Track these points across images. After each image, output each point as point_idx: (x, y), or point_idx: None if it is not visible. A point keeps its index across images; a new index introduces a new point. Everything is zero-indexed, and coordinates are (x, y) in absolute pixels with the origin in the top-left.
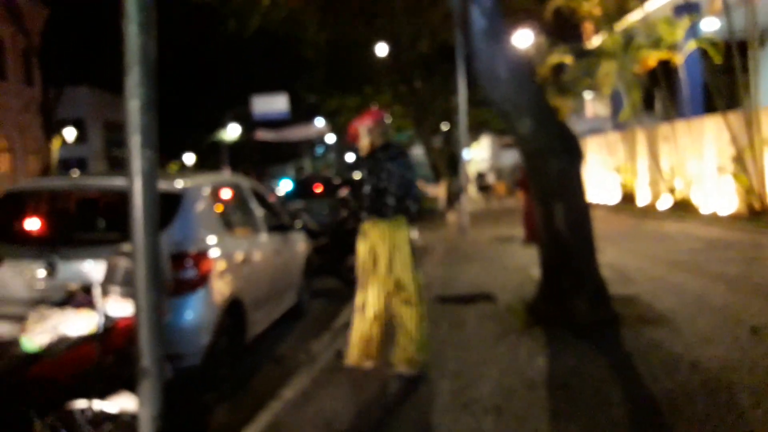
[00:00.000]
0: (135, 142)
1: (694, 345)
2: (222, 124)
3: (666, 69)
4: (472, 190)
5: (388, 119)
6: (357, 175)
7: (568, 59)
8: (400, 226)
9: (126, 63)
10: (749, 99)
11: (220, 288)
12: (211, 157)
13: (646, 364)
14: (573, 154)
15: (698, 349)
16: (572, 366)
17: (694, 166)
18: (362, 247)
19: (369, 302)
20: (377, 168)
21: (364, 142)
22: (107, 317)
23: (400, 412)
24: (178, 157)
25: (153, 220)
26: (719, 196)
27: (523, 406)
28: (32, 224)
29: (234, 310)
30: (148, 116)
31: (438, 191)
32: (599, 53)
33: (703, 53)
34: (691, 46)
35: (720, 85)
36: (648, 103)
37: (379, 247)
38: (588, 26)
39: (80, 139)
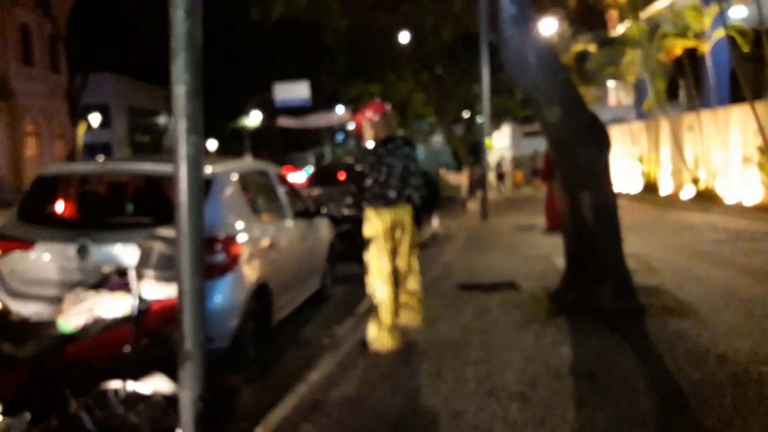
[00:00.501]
0: (181, 127)
1: (721, 337)
2: (244, 111)
3: (692, 57)
4: (491, 177)
5: (390, 111)
6: (358, 167)
7: (592, 47)
8: (404, 211)
9: (172, 49)
10: None
11: (248, 272)
12: (233, 143)
13: (672, 355)
14: (601, 143)
15: (725, 341)
16: (597, 355)
17: (719, 156)
18: (368, 230)
19: (383, 268)
20: (379, 163)
21: (369, 135)
22: (141, 300)
23: (425, 398)
24: None
25: (198, 204)
26: (744, 187)
27: (549, 394)
28: (64, 208)
29: (261, 294)
30: (194, 102)
31: (460, 179)
32: (624, 41)
33: (731, 41)
34: (719, 34)
35: (748, 73)
36: (672, 93)
37: (385, 228)
38: (613, 14)
39: (105, 124)
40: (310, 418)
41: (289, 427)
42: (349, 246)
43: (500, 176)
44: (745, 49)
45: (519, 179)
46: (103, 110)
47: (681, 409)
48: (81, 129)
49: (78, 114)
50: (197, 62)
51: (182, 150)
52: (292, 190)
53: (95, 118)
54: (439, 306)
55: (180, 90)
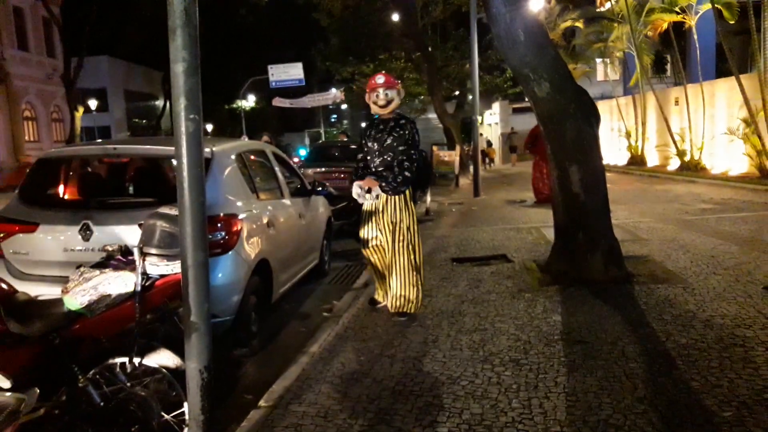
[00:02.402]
0: (181, 105)
1: (707, 303)
2: (239, 93)
3: (678, 32)
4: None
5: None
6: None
7: (579, 23)
8: (391, 203)
9: (170, 27)
10: (764, 60)
11: (249, 249)
12: (229, 124)
13: (660, 321)
14: (590, 117)
15: (711, 307)
16: (588, 322)
17: (705, 128)
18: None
19: (364, 238)
20: (364, 143)
21: (394, 105)
22: (145, 277)
23: (422, 365)
24: None
25: (199, 180)
26: (729, 158)
27: (542, 360)
28: (66, 190)
29: (261, 270)
30: (193, 80)
31: (452, 156)
32: (611, 17)
33: (718, 15)
34: (705, 7)
35: (734, 47)
36: (659, 67)
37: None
38: None
39: (102, 108)
40: (313, 388)
41: (292, 398)
42: (346, 223)
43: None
44: (732, 21)
45: (492, 155)
46: (100, 94)
47: (669, 371)
48: (78, 113)
49: (75, 98)
50: (195, 40)
51: (182, 127)
52: (290, 169)
53: (92, 103)
54: (435, 278)
55: (178, 68)
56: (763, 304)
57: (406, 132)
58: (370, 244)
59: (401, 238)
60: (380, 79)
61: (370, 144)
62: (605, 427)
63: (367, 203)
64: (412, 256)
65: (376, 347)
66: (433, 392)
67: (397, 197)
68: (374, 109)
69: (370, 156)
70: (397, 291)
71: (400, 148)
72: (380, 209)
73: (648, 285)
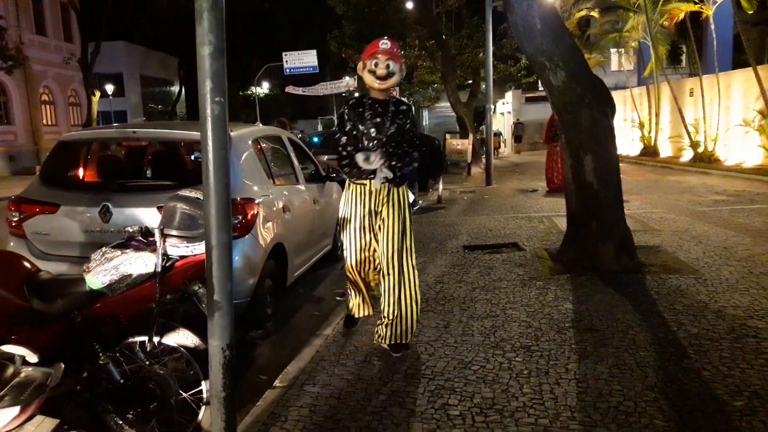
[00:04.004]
0: (207, 88)
1: (719, 293)
2: (254, 80)
3: (695, 22)
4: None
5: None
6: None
7: (595, 13)
8: (389, 195)
9: (197, 10)
10: None
11: (265, 233)
12: (243, 111)
13: (671, 311)
14: (605, 107)
15: (723, 298)
16: (599, 310)
17: (720, 120)
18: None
19: (349, 256)
20: (352, 124)
21: (393, 81)
22: (165, 258)
23: (434, 349)
24: None
25: (224, 162)
26: (744, 150)
27: (553, 347)
28: (86, 172)
29: (277, 254)
30: (219, 63)
31: (464, 145)
32: (627, 7)
33: (736, 4)
34: None
35: (751, 37)
36: (674, 58)
37: (357, 206)
38: None
39: (118, 93)
40: (326, 370)
41: (306, 379)
42: None
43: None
44: (750, 12)
45: (496, 144)
46: (117, 79)
47: (680, 360)
48: (95, 98)
49: (92, 83)
50: (221, 23)
51: (208, 110)
52: (305, 155)
53: (109, 87)
54: (446, 265)
55: (205, 51)
56: None
57: (408, 122)
58: (359, 255)
59: (404, 242)
60: (385, 43)
61: (362, 127)
62: (615, 413)
63: (378, 182)
64: (412, 263)
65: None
66: (444, 376)
67: (397, 190)
68: (368, 80)
69: (363, 142)
70: (398, 313)
71: (404, 138)
72: (374, 206)
73: (660, 275)
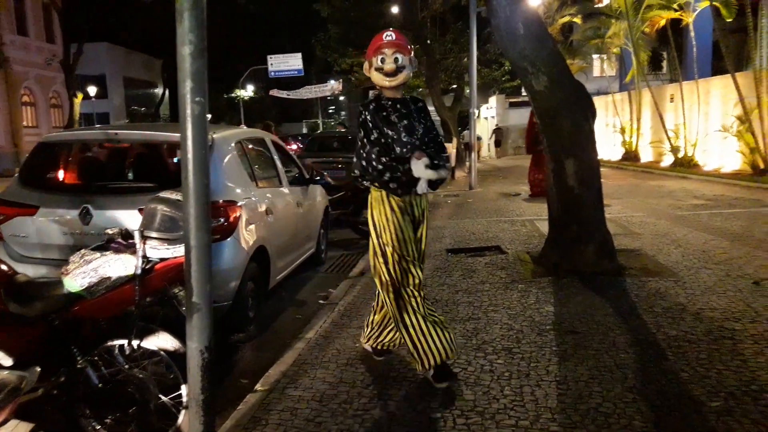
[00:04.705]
0: (187, 88)
1: (698, 296)
2: (239, 82)
3: (676, 29)
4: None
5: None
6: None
7: (577, 19)
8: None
9: (177, 9)
10: (759, 58)
11: (247, 236)
12: (228, 113)
13: (650, 313)
14: (586, 112)
15: (701, 300)
16: (579, 313)
17: (699, 125)
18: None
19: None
20: (378, 130)
21: (404, 77)
22: (145, 260)
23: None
24: None
25: (204, 163)
26: (723, 155)
27: (534, 349)
28: (66, 174)
29: (259, 256)
30: (199, 63)
31: (449, 149)
32: (609, 13)
33: (715, 12)
34: (703, 4)
35: (730, 44)
36: (655, 64)
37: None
38: None
39: (101, 95)
40: (308, 373)
41: (288, 382)
42: (344, 212)
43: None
44: (729, 19)
45: (479, 148)
46: (100, 81)
47: (659, 362)
48: (77, 99)
49: (74, 84)
50: (202, 23)
51: (188, 110)
52: (288, 158)
53: (92, 89)
54: (430, 268)
55: (185, 50)
56: (753, 299)
57: (430, 119)
58: (399, 265)
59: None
60: (389, 35)
61: (390, 133)
62: (595, 415)
63: (423, 187)
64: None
65: None
66: (427, 378)
67: (423, 198)
68: (377, 79)
69: (395, 150)
70: (434, 332)
71: (432, 138)
72: (417, 216)
73: (639, 278)
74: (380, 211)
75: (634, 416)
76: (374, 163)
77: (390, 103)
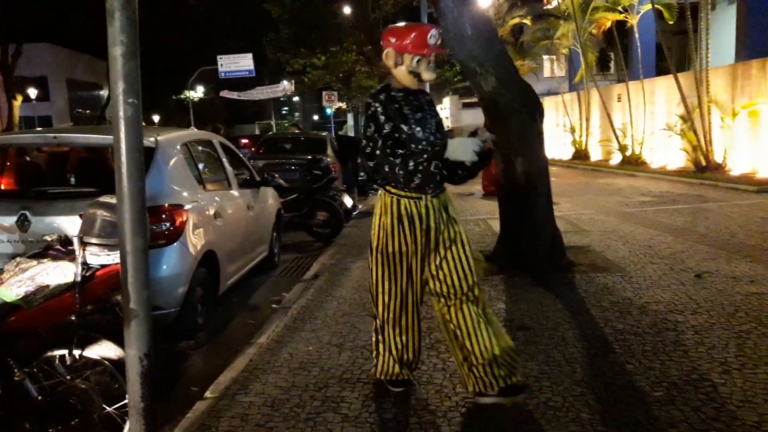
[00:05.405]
0: (119, 89)
1: (643, 290)
2: (188, 83)
3: (621, 30)
4: None
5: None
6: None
7: (527, 21)
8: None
9: (108, 9)
10: (699, 59)
11: (195, 240)
12: (177, 116)
13: (599, 308)
14: (534, 112)
15: (647, 294)
16: (530, 309)
17: (646, 124)
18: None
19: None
20: (395, 125)
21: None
22: (86, 267)
23: (369, 354)
24: (144, 116)
25: (138, 165)
26: (668, 153)
27: None
28: (3, 179)
29: (208, 261)
30: (131, 64)
31: None
32: (557, 14)
33: (658, 15)
34: (646, 7)
35: (672, 46)
36: (603, 65)
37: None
38: None
39: (42, 97)
40: (260, 378)
41: (238, 388)
42: (297, 215)
43: None
44: (671, 22)
45: None
46: (41, 82)
47: (606, 355)
48: (17, 102)
49: (13, 86)
50: (134, 23)
51: (120, 112)
52: (238, 160)
53: (32, 91)
54: None
55: (117, 51)
56: (695, 291)
57: (437, 113)
58: (415, 295)
59: (465, 258)
60: (435, 37)
61: (405, 128)
62: (545, 409)
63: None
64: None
65: (325, 337)
66: (381, 381)
67: (447, 197)
68: (405, 79)
69: (409, 146)
70: (489, 348)
71: (443, 135)
72: (434, 223)
73: (588, 274)
74: (384, 217)
75: (582, 409)
76: (391, 157)
77: (401, 94)
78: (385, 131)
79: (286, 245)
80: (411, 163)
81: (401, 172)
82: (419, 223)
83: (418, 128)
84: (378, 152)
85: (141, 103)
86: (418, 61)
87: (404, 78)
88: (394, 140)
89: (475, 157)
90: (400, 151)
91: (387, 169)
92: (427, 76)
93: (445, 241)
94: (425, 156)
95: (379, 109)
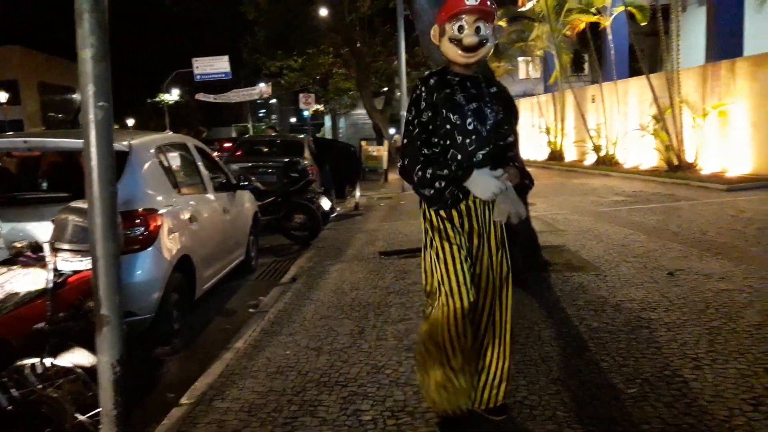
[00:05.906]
0: (89, 92)
1: (618, 288)
2: (163, 87)
3: (595, 32)
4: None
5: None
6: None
7: (502, 22)
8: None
9: (76, 12)
10: (671, 61)
11: (169, 245)
12: (152, 119)
13: (574, 306)
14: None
15: (621, 292)
16: None
17: (619, 124)
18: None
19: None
20: (431, 113)
21: (486, 51)
22: (58, 273)
23: (348, 356)
24: (119, 120)
25: (109, 169)
26: (641, 153)
27: None
28: None
29: (183, 266)
30: (101, 66)
31: (380, 152)
32: (532, 16)
33: (630, 17)
34: (619, 9)
35: (644, 47)
36: (577, 66)
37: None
38: None
39: (13, 101)
40: (237, 384)
41: (215, 394)
42: (274, 218)
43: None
44: (643, 23)
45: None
46: (11, 86)
47: (581, 353)
48: None
49: None
50: (103, 25)
51: (90, 115)
52: (214, 163)
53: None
54: (362, 271)
55: (86, 54)
56: (667, 289)
57: (510, 112)
58: (465, 300)
59: (501, 272)
60: None
61: (453, 117)
62: (521, 408)
63: (502, 214)
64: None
65: (303, 340)
66: (358, 382)
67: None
68: (450, 52)
69: (456, 140)
70: (501, 367)
71: (507, 130)
72: (476, 226)
73: (563, 273)
74: (429, 222)
75: (558, 407)
76: (417, 151)
77: (458, 79)
78: (422, 119)
79: (263, 248)
80: (429, 171)
81: (419, 173)
82: (460, 226)
83: (470, 119)
84: (406, 140)
85: (112, 106)
86: (458, 26)
87: (448, 51)
88: (430, 132)
89: (492, 198)
90: (426, 151)
91: (406, 162)
92: (469, 40)
93: (485, 244)
94: (446, 172)
95: (423, 94)
